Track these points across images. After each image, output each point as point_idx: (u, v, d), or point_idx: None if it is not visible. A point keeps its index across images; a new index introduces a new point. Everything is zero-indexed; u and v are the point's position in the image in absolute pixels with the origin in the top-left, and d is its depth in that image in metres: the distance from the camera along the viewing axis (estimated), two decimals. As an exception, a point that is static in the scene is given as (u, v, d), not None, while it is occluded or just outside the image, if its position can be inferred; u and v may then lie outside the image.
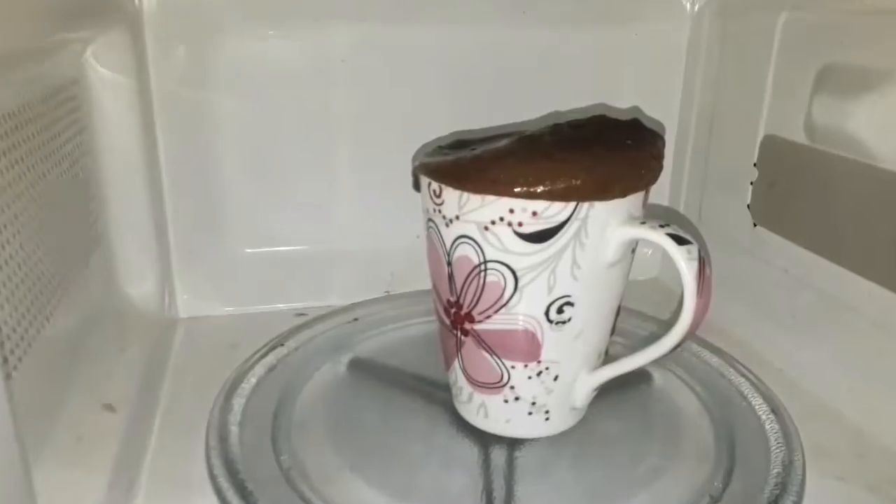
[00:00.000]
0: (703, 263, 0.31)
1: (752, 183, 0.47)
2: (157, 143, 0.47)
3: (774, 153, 0.45)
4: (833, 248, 0.41)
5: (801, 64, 0.42)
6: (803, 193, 0.43)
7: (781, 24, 0.44)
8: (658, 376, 0.44)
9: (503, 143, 0.33)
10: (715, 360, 0.44)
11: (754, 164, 0.47)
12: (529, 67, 0.52)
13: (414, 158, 0.36)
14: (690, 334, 0.32)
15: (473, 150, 0.34)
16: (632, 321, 0.47)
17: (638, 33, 0.53)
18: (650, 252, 0.56)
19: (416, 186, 0.36)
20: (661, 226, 0.31)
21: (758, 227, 0.47)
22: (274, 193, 0.51)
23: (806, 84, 0.42)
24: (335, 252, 0.53)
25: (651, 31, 0.53)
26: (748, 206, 0.48)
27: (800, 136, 0.43)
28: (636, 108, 0.52)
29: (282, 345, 0.45)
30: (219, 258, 0.52)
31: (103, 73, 0.42)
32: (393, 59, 0.50)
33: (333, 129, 0.51)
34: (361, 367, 0.45)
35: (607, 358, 0.37)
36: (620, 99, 0.53)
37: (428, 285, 0.38)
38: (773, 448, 0.37)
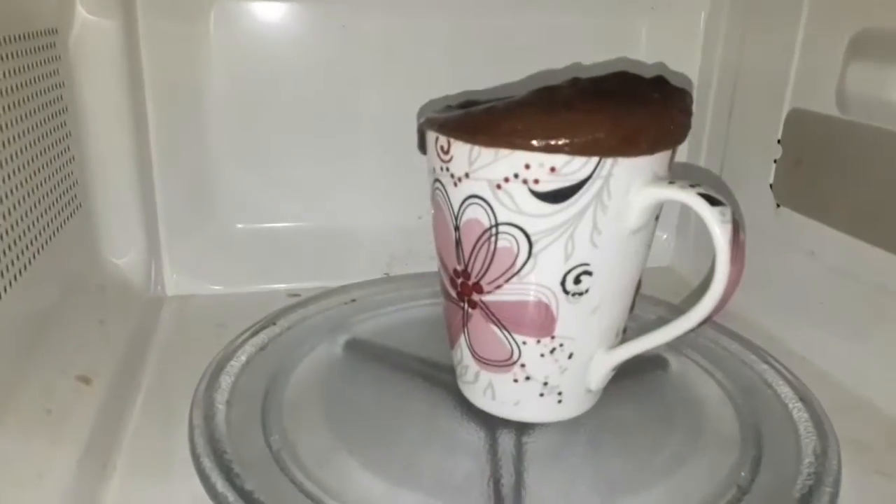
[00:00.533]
0: (737, 227, 0.28)
1: (775, 161, 0.45)
2: (146, 106, 0.45)
3: (801, 128, 0.43)
4: (867, 229, 0.38)
5: (833, 29, 0.40)
6: (834, 170, 0.40)
7: (811, -11, 0.42)
8: (674, 362, 0.41)
9: (519, 95, 0.30)
10: (735, 346, 0.42)
11: (778, 141, 0.44)
12: (542, 41, 0.49)
13: (419, 116, 0.33)
14: (721, 306, 0.29)
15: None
16: (643, 306, 0.44)
17: (654, 6, 0.50)
18: (665, 237, 0.54)
19: (422, 147, 0.33)
20: (692, 185, 0.29)
21: (781, 207, 0.44)
22: (269, 166, 0.48)
23: (838, 51, 0.39)
24: (332, 231, 0.51)
25: (668, 1, 0.50)
26: (770, 185, 0.45)
27: (830, 109, 0.40)
28: (661, 65, 0.49)
29: (274, 323, 0.42)
30: (209, 233, 0.49)
31: (90, 21, 0.39)
32: (398, 28, 0.47)
33: (333, 99, 0.48)
34: (359, 348, 0.42)
35: (624, 338, 0.34)
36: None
37: (431, 268, 0.35)
38: (804, 437, 0.34)
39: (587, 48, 0.49)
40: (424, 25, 0.48)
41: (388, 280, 0.50)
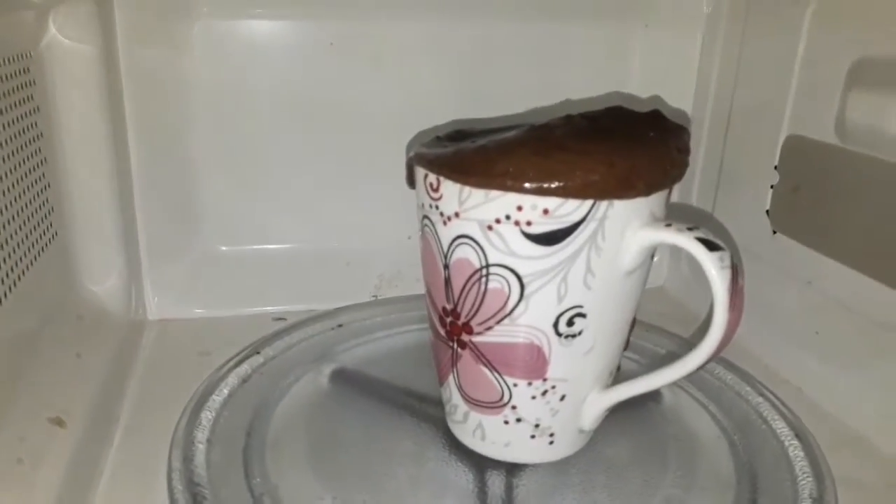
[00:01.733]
0: (736, 272, 0.27)
1: (772, 187, 0.44)
2: (126, 128, 0.43)
3: (799, 155, 0.42)
4: (867, 262, 0.38)
5: (833, 56, 0.39)
6: (832, 199, 0.40)
7: (810, 14, 0.40)
8: (668, 394, 0.40)
9: (510, 133, 0.29)
10: (730, 377, 0.41)
11: (775, 167, 0.43)
12: (534, 59, 0.48)
13: (408, 149, 0.32)
14: (719, 352, 0.28)
15: (475, 141, 0.30)
16: (637, 332, 0.43)
17: (649, 23, 0.49)
18: (657, 257, 0.53)
19: (411, 181, 0.32)
20: (689, 228, 0.28)
21: (777, 234, 0.44)
22: (253, 186, 0.47)
23: (838, 78, 0.38)
24: (318, 252, 0.50)
25: (663, 20, 0.49)
26: (767, 211, 0.44)
27: (828, 137, 0.39)
28: (657, 98, 0.48)
29: (258, 353, 0.41)
30: (191, 256, 0.48)
31: (66, 44, 0.38)
32: (387, 45, 0.46)
33: (319, 118, 0.47)
34: (345, 380, 0.41)
35: (618, 375, 0.33)
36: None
37: (420, 290, 0.34)
38: (800, 478, 0.33)
39: (579, 67, 0.48)
40: (415, 44, 0.46)
41: (377, 303, 0.49)
